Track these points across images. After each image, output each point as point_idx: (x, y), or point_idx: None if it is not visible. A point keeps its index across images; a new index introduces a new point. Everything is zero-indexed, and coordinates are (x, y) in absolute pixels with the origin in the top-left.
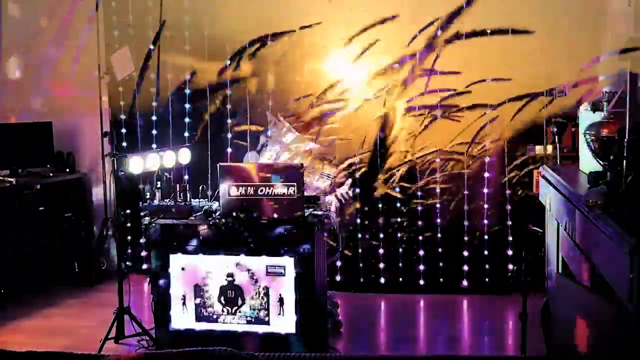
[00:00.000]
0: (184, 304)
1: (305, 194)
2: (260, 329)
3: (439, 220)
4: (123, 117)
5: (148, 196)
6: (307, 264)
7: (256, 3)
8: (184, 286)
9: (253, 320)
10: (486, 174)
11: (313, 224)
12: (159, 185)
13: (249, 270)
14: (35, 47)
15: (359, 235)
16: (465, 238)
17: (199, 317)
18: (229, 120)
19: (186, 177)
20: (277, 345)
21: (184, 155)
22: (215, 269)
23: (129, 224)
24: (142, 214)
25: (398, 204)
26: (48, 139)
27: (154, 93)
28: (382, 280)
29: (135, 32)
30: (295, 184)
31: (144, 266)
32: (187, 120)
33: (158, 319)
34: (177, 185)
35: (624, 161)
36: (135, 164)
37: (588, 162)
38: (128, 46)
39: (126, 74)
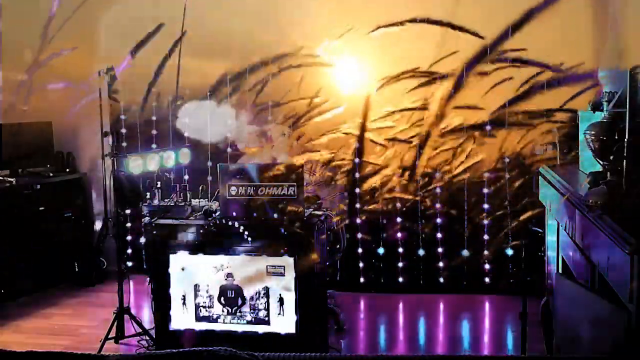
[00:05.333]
0: (184, 304)
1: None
2: (260, 329)
3: (438, 220)
4: (123, 117)
5: (148, 196)
6: (307, 264)
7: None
8: (184, 286)
9: (253, 320)
10: (486, 174)
11: (313, 224)
12: (159, 185)
13: (249, 270)
14: (35, 47)
15: (359, 235)
16: (465, 238)
17: (199, 317)
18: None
19: (186, 177)
20: (277, 345)
21: (184, 155)
22: (216, 268)
23: (129, 224)
24: (142, 214)
25: (398, 204)
26: (48, 139)
27: (154, 93)
28: (382, 280)
29: (136, 32)
30: (295, 184)
31: (144, 266)
32: (186, 120)
33: (158, 319)
34: (177, 185)
35: (624, 161)
36: (135, 164)
37: (588, 162)
38: None
39: None
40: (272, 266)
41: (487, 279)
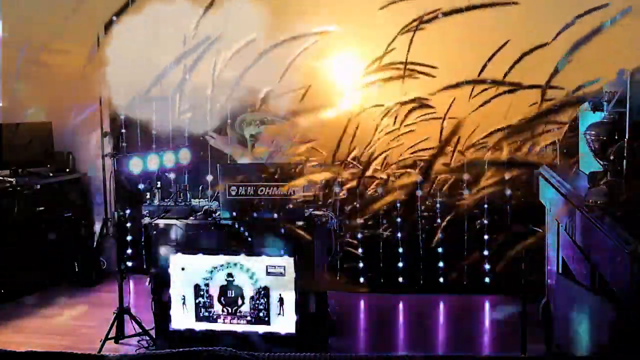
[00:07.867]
0: (184, 304)
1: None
2: (260, 329)
3: (438, 220)
4: (123, 117)
5: (148, 196)
6: (307, 264)
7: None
8: (184, 286)
9: (253, 320)
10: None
11: (313, 224)
12: (159, 185)
13: (248, 270)
14: (36, 46)
15: (359, 235)
16: (466, 238)
17: (199, 317)
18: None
19: (186, 177)
20: (277, 345)
21: (184, 156)
22: (215, 269)
23: (129, 224)
24: (142, 214)
25: (397, 204)
26: (48, 139)
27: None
28: (382, 280)
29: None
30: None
31: (144, 266)
32: (187, 120)
33: (158, 319)
34: (177, 185)
35: (624, 161)
36: (135, 164)
37: (588, 162)
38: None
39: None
40: (272, 266)
41: (487, 279)
